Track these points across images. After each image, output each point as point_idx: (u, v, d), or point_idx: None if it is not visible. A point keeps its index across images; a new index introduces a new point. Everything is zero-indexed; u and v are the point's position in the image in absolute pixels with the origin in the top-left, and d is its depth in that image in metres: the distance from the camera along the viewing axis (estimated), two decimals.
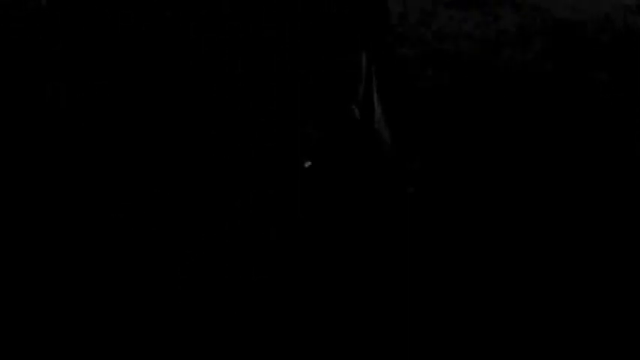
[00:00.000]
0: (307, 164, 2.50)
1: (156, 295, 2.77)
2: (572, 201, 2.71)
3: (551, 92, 3.72)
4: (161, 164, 3.56)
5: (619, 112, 3.45)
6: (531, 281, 2.35)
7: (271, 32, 2.46)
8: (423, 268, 2.39)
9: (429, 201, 2.64)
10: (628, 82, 3.81)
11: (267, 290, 2.46)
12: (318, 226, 2.60)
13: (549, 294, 2.29)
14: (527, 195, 2.77)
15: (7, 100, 3.69)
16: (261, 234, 2.62)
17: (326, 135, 2.41)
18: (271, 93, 2.58)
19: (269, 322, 2.41)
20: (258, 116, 2.58)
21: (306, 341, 2.32)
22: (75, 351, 2.57)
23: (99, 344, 2.57)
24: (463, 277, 2.36)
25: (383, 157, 2.42)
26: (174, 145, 3.61)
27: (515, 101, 3.53)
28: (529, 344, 2.22)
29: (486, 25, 4.73)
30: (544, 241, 2.51)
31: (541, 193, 2.76)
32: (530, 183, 2.83)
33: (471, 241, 2.51)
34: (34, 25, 3.75)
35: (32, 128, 3.79)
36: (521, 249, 2.48)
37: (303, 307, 2.39)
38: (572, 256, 2.43)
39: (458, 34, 4.44)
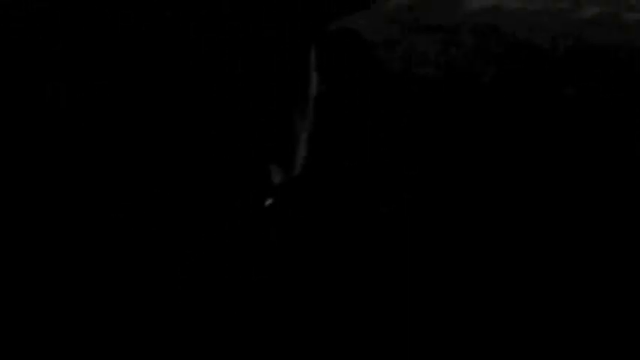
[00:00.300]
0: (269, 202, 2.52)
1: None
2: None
3: (518, 111, 3.78)
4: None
5: (588, 126, 3.52)
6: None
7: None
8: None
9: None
10: (595, 96, 3.87)
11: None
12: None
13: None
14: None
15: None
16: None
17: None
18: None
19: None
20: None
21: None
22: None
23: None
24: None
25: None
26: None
27: (480, 124, 3.58)
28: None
29: (448, 49, 4.79)
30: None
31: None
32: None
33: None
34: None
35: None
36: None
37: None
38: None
39: (422, 62, 4.50)
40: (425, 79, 4.18)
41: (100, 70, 3.75)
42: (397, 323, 2.33)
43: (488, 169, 3.09)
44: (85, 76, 3.82)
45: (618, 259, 2.44)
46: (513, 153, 3.24)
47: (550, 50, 4.67)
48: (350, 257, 2.43)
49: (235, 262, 2.70)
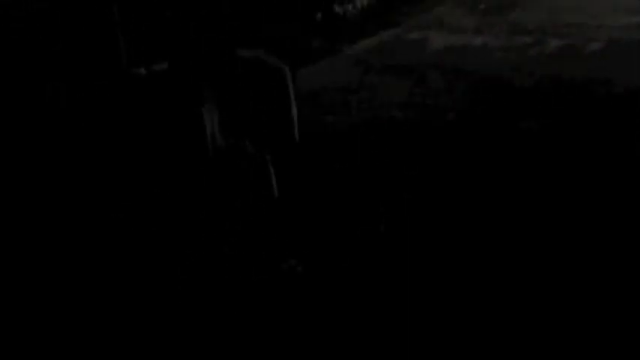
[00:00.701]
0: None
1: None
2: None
3: (483, 145, 3.84)
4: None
5: (551, 160, 3.58)
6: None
7: None
8: None
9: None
10: (557, 129, 3.95)
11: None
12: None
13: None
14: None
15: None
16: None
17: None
18: None
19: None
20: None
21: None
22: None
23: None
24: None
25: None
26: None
27: (450, 161, 3.64)
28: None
29: (412, 88, 4.89)
30: None
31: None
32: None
33: None
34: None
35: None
36: None
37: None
38: None
39: (389, 103, 4.56)
40: (391, 121, 4.25)
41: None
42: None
43: (457, 199, 3.14)
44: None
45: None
46: (478, 185, 3.29)
47: (513, 85, 4.76)
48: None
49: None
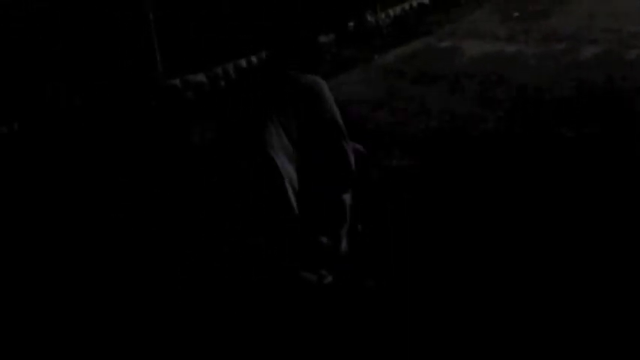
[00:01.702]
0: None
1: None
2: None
3: (519, 152, 3.79)
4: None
5: (588, 167, 3.52)
6: None
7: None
8: None
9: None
10: (594, 137, 3.88)
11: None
12: None
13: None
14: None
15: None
16: None
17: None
18: None
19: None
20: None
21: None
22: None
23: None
24: None
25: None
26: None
27: (486, 167, 3.59)
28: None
29: (447, 96, 4.85)
30: None
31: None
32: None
33: None
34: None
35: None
36: None
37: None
38: None
39: (424, 112, 4.54)
40: (426, 131, 4.19)
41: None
42: None
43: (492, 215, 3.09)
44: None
45: None
46: (519, 193, 3.23)
47: (549, 92, 4.68)
48: None
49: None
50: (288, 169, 2.25)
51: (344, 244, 2.48)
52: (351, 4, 6.42)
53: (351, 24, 6.47)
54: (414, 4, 7.39)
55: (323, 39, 2.34)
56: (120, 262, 2.95)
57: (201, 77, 4.84)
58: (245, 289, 2.49)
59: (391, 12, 6.96)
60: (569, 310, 2.41)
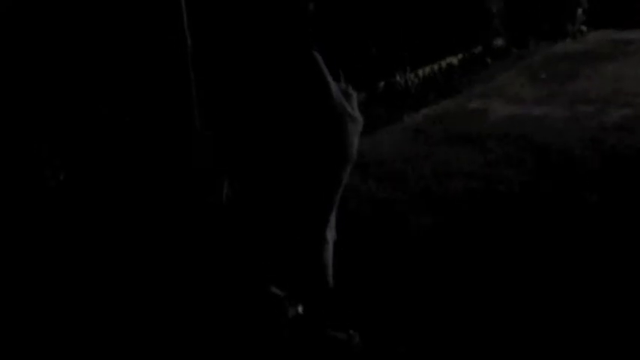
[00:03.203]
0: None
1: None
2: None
3: (545, 215, 3.85)
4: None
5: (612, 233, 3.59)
6: None
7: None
8: None
9: None
10: (617, 204, 3.93)
11: None
12: None
13: None
14: None
15: None
16: None
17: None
18: None
19: None
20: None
21: None
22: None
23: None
24: None
25: None
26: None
27: (509, 229, 3.67)
28: None
29: (474, 158, 4.92)
30: None
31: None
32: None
33: None
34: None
35: None
36: None
37: None
38: None
39: (451, 173, 4.61)
40: (454, 192, 4.26)
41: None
42: None
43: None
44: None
45: None
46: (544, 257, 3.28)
47: (576, 156, 4.73)
48: None
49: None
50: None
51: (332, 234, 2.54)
52: (381, 65, 6.57)
53: (381, 84, 6.61)
54: (443, 64, 7.54)
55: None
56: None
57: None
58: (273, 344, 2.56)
59: (420, 72, 7.10)
60: None
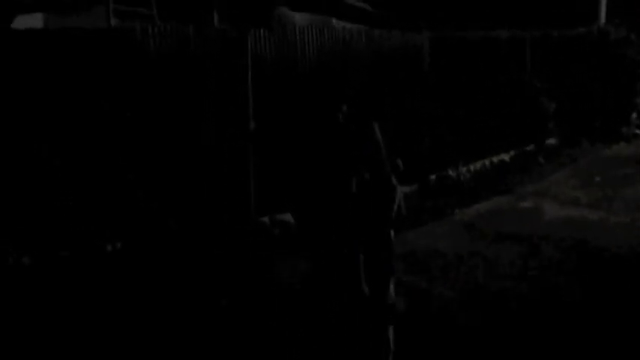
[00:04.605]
0: None
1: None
2: None
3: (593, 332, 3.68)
4: None
5: None
6: None
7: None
8: None
9: None
10: None
11: None
12: None
13: None
14: None
15: None
16: None
17: None
18: None
19: None
20: None
21: None
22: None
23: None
24: None
25: None
26: None
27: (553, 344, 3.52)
28: None
29: (526, 260, 4.78)
30: None
31: None
32: None
33: None
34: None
35: None
36: None
37: None
38: None
39: (501, 273, 4.50)
40: (502, 294, 4.11)
41: None
42: None
43: None
44: None
45: None
46: None
47: (633, 265, 4.56)
48: None
49: None
50: None
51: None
52: (433, 157, 6.53)
53: (432, 177, 6.55)
54: (495, 160, 7.47)
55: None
56: None
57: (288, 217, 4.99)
58: None
59: (472, 167, 7.03)
60: None
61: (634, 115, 9.78)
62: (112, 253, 4.28)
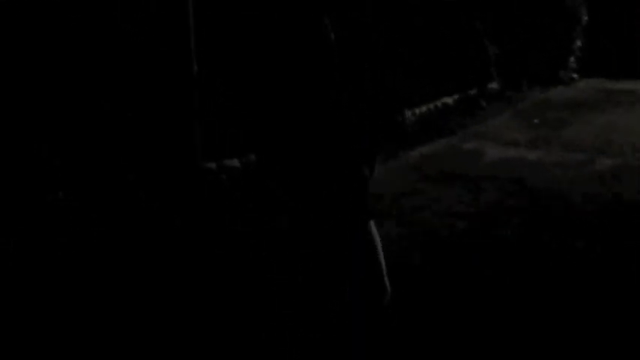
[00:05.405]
0: None
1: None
2: None
3: (529, 260, 3.96)
4: None
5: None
6: None
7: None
8: None
9: None
10: (602, 250, 4.06)
11: None
12: None
13: None
14: None
15: None
16: None
17: None
18: None
19: None
20: None
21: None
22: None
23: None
24: None
25: None
26: None
27: (495, 272, 3.79)
28: None
29: (467, 197, 5.05)
30: None
31: None
32: None
33: None
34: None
35: None
36: None
37: None
38: None
39: (444, 212, 4.73)
40: (447, 231, 4.36)
41: None
42: None
43: None
44: None
45: None
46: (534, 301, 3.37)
47: (567, 202, 4.86)
48: None
49: None
50: None
51: None
52: (379, 102, 6.69)
53: (380, 123, 6.73)
54: (439, 104, 7.70)
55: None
56: None
57: (235, 162, 5.07)
58: None
59: (417, 110, 7.24)
60: None
61: (572, 59, 10.12)
62: (53, 202, 4.19)
